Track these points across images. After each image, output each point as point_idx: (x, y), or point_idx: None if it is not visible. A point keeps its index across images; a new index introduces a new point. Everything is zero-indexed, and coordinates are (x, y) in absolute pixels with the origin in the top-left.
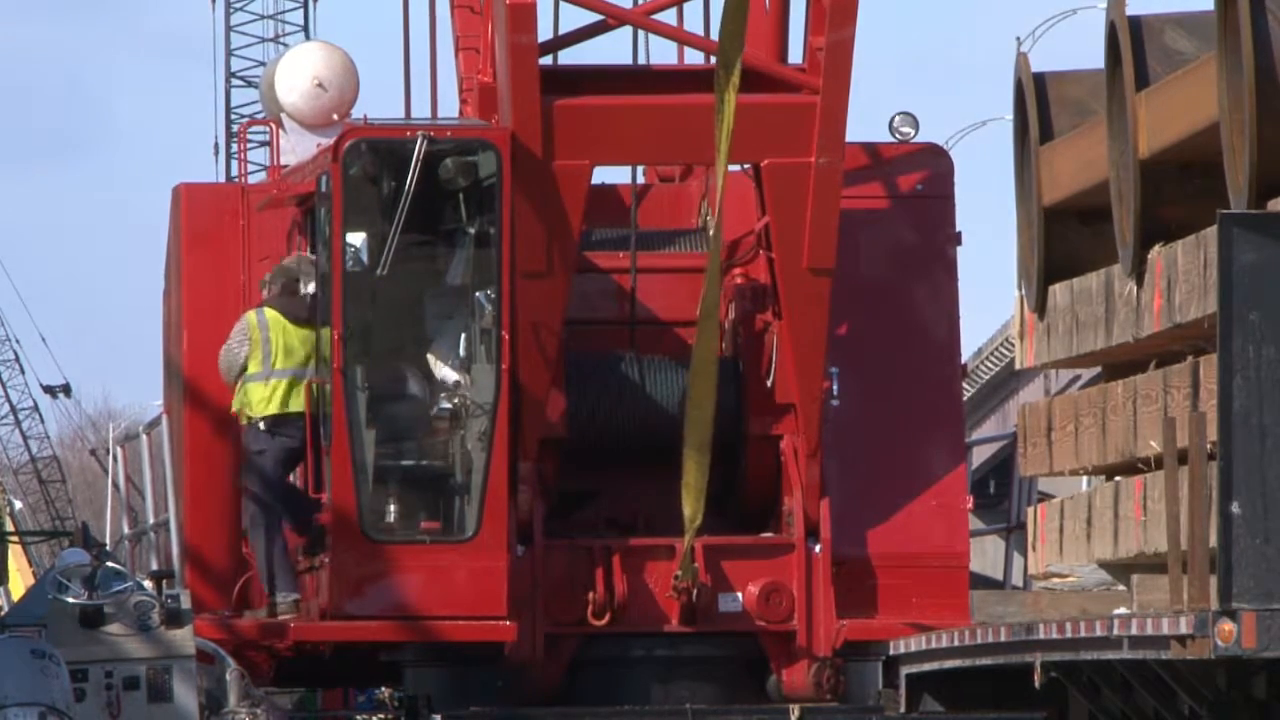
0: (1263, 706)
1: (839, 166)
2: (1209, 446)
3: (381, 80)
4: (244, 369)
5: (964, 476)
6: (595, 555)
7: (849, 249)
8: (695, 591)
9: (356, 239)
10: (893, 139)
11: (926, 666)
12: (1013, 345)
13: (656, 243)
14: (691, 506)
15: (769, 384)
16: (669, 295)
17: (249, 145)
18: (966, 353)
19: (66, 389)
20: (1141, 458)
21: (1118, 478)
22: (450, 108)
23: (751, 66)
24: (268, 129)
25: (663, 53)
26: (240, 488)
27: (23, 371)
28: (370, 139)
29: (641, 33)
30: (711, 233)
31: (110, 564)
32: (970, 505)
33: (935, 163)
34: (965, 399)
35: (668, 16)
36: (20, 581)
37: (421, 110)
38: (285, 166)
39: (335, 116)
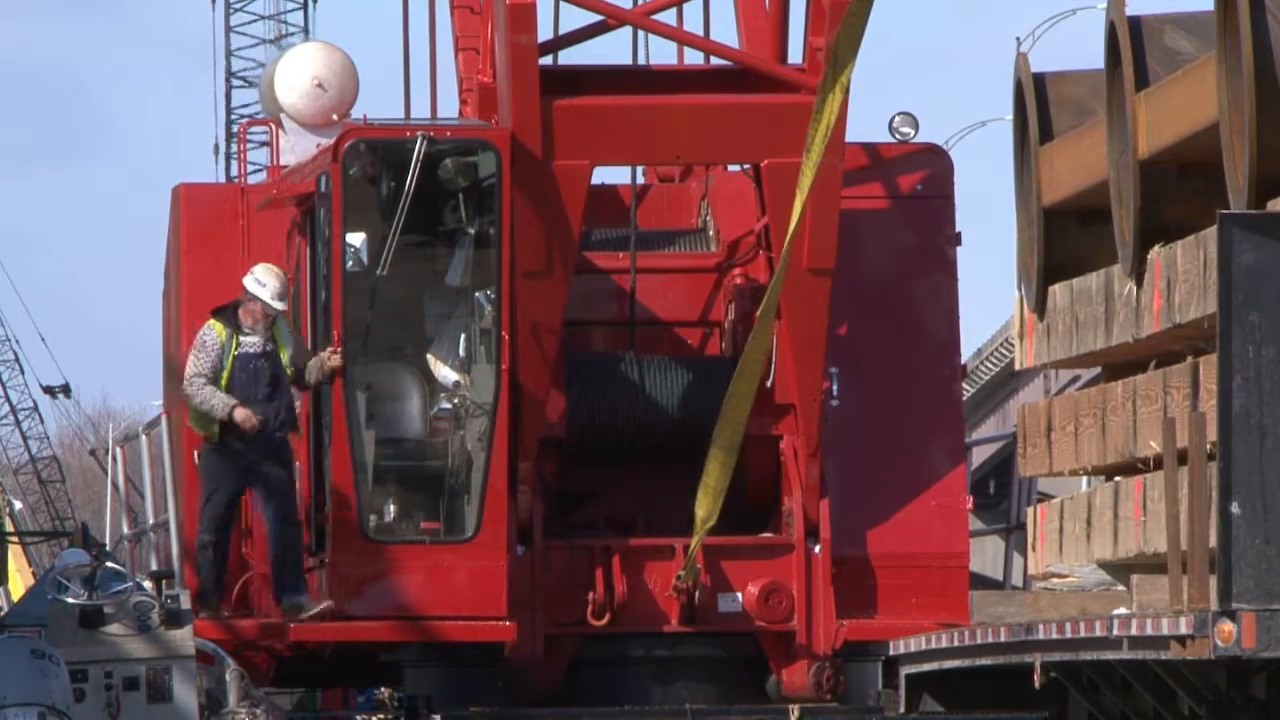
0: (1263, 706)
1: (839, 166)
2: (1209, 446)
3: (381, 80)
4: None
5: (964, 476)
6: (595, 555)
7: (849, 249)
8: (695, 592)
9: (356, 239)
10: (893, 139)
11: (926, 666)
12: (1013, 345)
13: (656, 243)
14: (707, 508)
15: (769, 384)
16: (669, 295)
17: (249, 145)
18: (966, 353)
19: (66, 389)
20: (1141, 458)
21: (1117, 478)
22: (450, 108)
23: (752, 66)
24: (268, 129)
25: (663, 53)
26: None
27: (23, 371)
28: (370, 139)
29: (641, 33)
30: (791, 229)
31: (110, 564)
32: (970, 505)
33: (935, 163)
34: (965, 399)
35: (668, 16)
36: (20, 581)
37: (421, 110)
38: (285, 166)
39: (335, 116)
